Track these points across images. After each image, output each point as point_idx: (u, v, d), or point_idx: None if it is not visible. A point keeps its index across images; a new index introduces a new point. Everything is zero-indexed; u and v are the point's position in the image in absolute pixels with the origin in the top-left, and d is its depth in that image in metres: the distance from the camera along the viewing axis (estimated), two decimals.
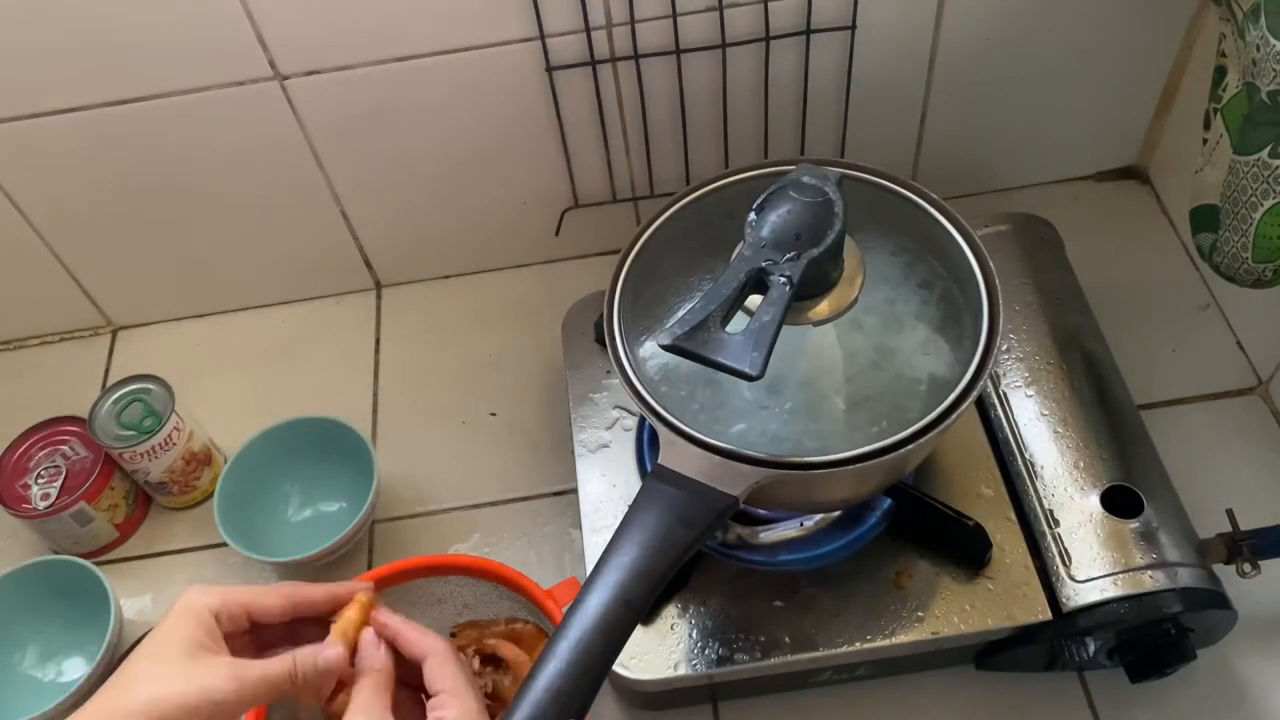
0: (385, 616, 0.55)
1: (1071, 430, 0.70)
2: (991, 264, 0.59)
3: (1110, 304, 0.79)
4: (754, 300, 0.53)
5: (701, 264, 0.62)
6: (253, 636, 0.53)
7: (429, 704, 0.52)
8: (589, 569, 0.53)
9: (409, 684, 0.55)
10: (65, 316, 0.96)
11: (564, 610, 0.64)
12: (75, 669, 0.78)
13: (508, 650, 0.67)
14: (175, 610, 0.50)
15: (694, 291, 0.62)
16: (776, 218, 0.53)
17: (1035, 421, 0.71)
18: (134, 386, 0.81)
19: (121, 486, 0.82)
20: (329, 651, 0.52)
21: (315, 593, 0.54)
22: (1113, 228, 0.93)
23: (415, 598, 0.69)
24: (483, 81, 0.80)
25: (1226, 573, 0.66)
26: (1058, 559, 0.66)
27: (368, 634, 0.54)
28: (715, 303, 0.51)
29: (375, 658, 0.53)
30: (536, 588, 0.66)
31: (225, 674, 0.48)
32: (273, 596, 0.53)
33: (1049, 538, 0.67)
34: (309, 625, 0.55)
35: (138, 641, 0.75)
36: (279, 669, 0.50)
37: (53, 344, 0.97)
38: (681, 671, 0.64)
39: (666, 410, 0.56)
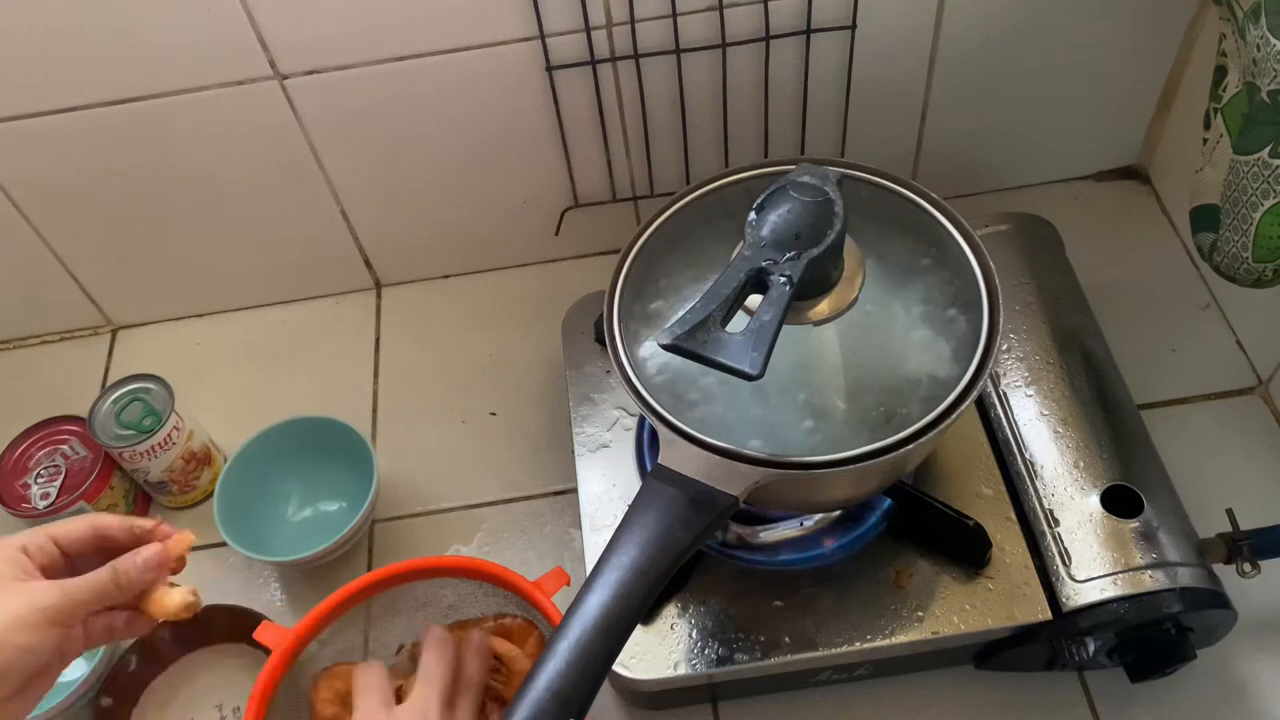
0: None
1: (1071, 430, 0.70)
2: (991, 264, 0.59)
3: (1110, 304, 0.79)
4: (754, 300, 0.53)
5: (701, 264, 0.62)
6: (71, 571, 0.55)
7: None
8: (589, 569, 0.53)
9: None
10: (65, 316, 0.96)
11: (556, 604, 0.65)
12: (75, 668, 0.77)
13: (500, 646, 0.67)
14: None
15: (694, 291, 0.62)
16: (776, 217, 0.53)
17: (1035, 421, 0.71)
18: (134, 386, 0.81)
19: (121, 486, 0.82)
20: (146, 550, 0.55)
21: (112, 522, 0.57)
22: (1113, 228, 0.93)
23: (400, 604, 0.69)
24: (483, 81, 0.80)
25: (1226, 573, 0.66)
26: (1058, 559, 0.66)
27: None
28: (715, 302, 0.51)
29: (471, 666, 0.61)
30: (523, 580, 0.66)
31: (47, 586, 0.52)
32: (75, 523, 0.56)
33: (1049, 537, 0.67)
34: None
35: (135, 643, 0.75)
36: (101, 573, 0.53)
37: (53, 344, 0.97)
38: (681, 671, 0.64)
39: (666, 410, 0.56)
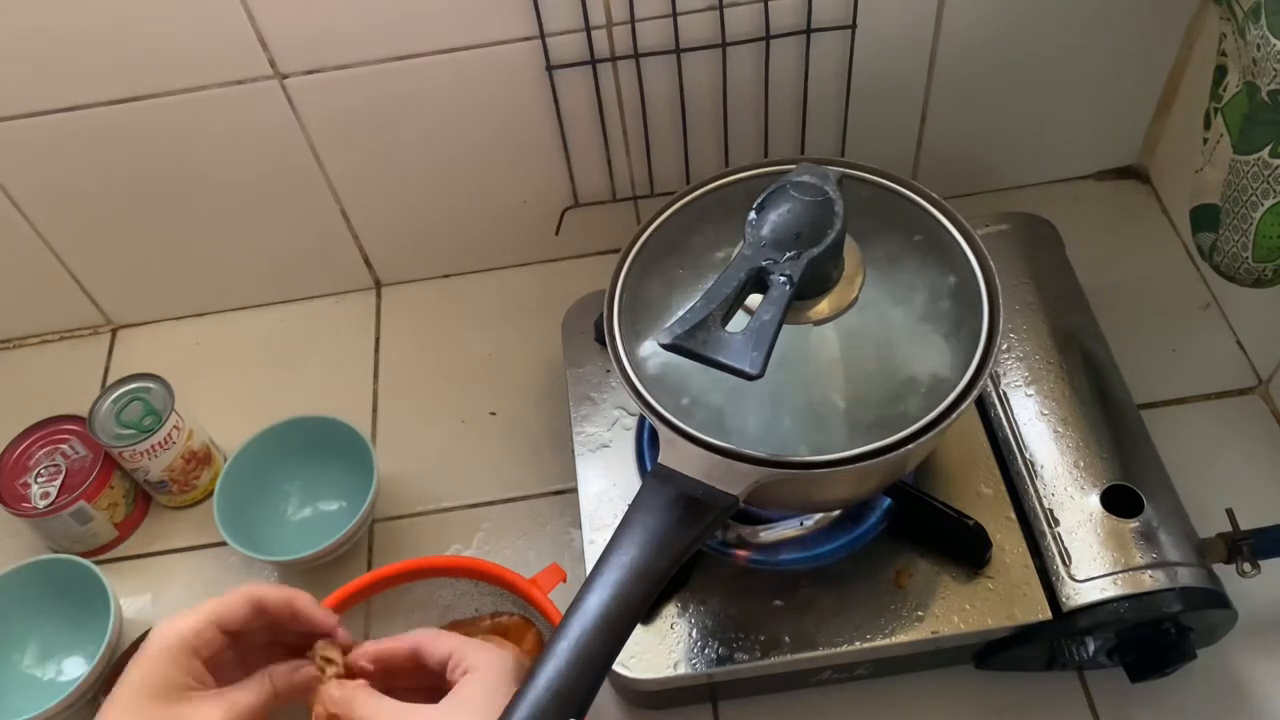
0: (358, 652, 0.56)
1: (1071, 430, 0.70)
2: (991, 264, 0.59)
3: (1110, 304, 0.79)
4: (754, 299, 0.53)
5: (701, 263, 0.62)
6: (235, 654, 0.54)
7: (447, 669, 0.54)
8: (589, 569, 0.53)
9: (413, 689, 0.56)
10: (65, 316, 0.96)
11: (553, 600, 0.65)
12: (75, 668, 0.78)
13: (496, 644, 0.67)
14: (148, 651, 0.50)
15: (694, 291, 0.61)
16: (777, 217, 0.53)
17: (1035, 421, 0.71)
18: (134, 385, 0.81)
19: (121, 485, 0.82)
20: (305, 669, 0.54)
21: (270, 594, 0.54)
22: (1113, 228, 0.93)
23: (395, 606, 0.69)
24: (483, 80, 0.80)
25: (1226, 572, 0.66)
26: (1058, 558, 0.66)
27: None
28: (715, 302, 0.51)
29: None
30: (519, 578, 0.66)
31: (211, 711, 0.49)
32: (238, 604, 0.53)
33: (1049, 537, 0.67)
34: (284, 643, 0.56)
35: (135, 644, 0.75)
36: (262, 691, 0.52)
37: (53, 343, 0.97)
38: (681, 671, 0.64)
39: (666, 410, 0.56)
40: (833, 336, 0.59)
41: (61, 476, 0.81)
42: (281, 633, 0.55)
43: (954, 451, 0.71)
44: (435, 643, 0.55)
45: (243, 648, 0.54)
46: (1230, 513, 0.67)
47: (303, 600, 0.55)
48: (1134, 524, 0.66)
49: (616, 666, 0.63)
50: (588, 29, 0.77)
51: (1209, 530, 0.67)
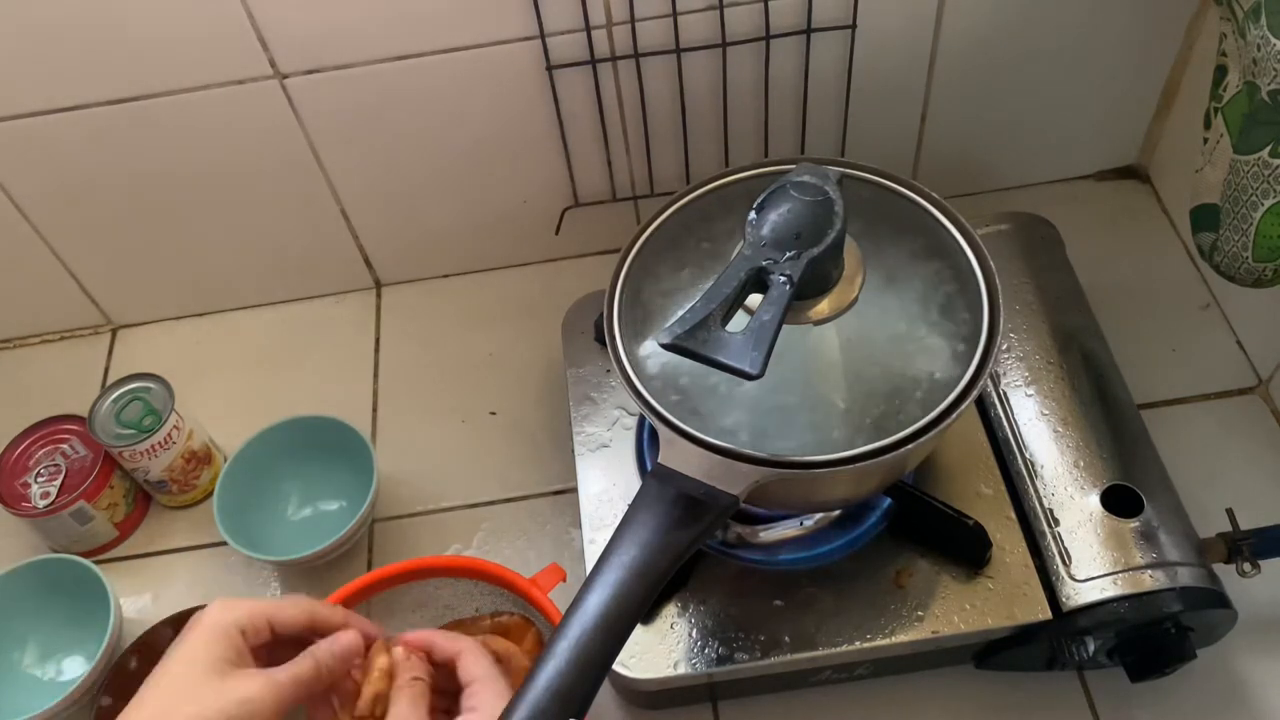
0: (413, 634, 0.57)
1: (1071, 430, 0.70)
2: (991, 264, 0.59)
3: (1110, 304, 0.79)
4: (754, 299, 0.53)
5: (702, 263, 0.62)
6: (268, 650, 0.54)
7: (463, 695, 0.54)
8: (589, 568, 0.52)
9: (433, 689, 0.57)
10: (65, 316, 0.96)
11: (553, 601, 0.65)
12: (75, 668, 0.78)
13: (497, 644, 0.67)
14: (203, 626, 0.52)
15: (694, 291, 0.61)
16: (777, 217, 0.53)
17: (1035, 421, 0.71)
18: (134, 385, 0.81)
19: (121, 485, 0.82)
20: (343, 636, 0.54)
21: (333, 613, 0.56)
22: (1113, 228, 0.93)
23: (395, 605, 0.69)
24: (483, 80, 0.80)
25: (1226, 572, 0.66)
26: (1058, 558, 0.66)
27: (399, 649, 0.56)
28: (715, 302, 0.51)
29: (411, 668, 0.55)
30: (519, 577, 0.66)
31: (260, 684, 0.50)
32: (293, 608, 0.55)
33: (1049, 537, 0.67)
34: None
35: (136, 643, 0.75)
36: (305, 667, 0.52)
37: (53, 343, 0.97)
38: (681, 671, 0.64)
39: (666, 409, 0.56)
40: (833, 336, 0.59)
41: (61, 476, 0.81)
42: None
43: (954, 451, 0.71)
44: (473, 662, 0.55)
45: (277, 655, 0.54)
46: (1230, 513, 0.67)
47: (356, 617, 0.56)
48: (1134, 524, 0.66)
49: (616, 666, 0.63)
50: (588, 29, 0.77)
51: (1209, 530, 0.67)
